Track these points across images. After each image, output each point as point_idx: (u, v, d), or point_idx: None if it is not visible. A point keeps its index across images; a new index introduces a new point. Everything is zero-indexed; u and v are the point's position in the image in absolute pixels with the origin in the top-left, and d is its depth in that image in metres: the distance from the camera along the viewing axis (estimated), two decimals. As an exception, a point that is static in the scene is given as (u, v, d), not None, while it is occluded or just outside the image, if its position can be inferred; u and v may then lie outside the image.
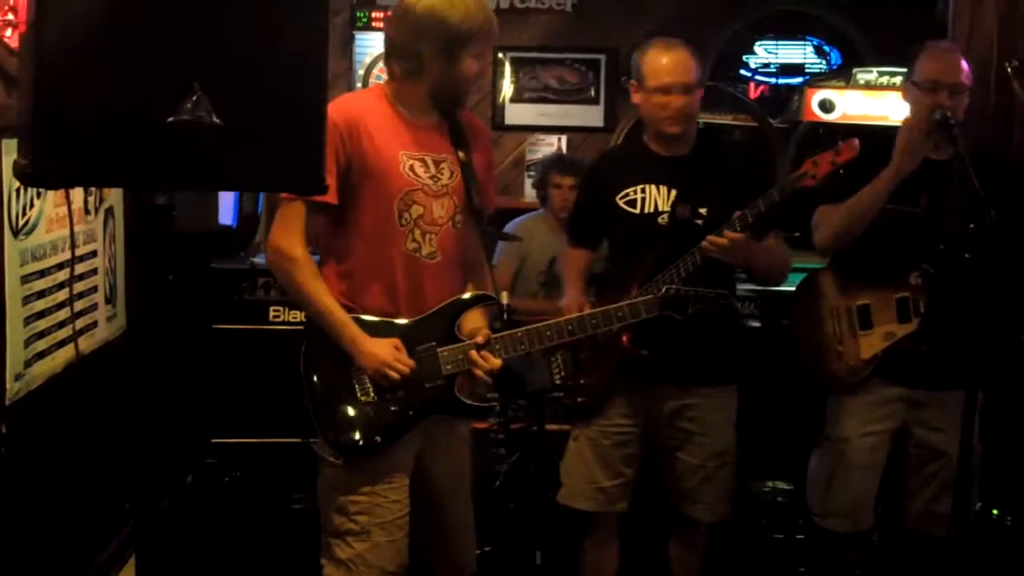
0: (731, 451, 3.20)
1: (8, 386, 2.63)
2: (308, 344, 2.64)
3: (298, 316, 3.91)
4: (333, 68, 5.01)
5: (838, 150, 2.88)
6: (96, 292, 3.29)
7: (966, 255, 2.82)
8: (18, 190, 2.65)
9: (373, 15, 5.59)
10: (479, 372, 2.65)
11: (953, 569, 2.94)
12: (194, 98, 1.78)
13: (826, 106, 4.85)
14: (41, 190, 2.72)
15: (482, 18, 2.59)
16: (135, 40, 1.77)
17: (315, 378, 2.62)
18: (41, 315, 2.83)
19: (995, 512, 3.67)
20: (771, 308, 4.23)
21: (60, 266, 2.91)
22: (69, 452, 3.00)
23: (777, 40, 6.03)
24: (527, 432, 3.99)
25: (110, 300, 3.42)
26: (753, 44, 6.04)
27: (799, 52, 6.04)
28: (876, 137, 3.42)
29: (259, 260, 4.35)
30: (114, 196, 3.41)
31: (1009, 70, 3.67)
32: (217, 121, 1.80)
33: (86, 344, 3.14)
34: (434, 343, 2.65)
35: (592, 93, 5.81)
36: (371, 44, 5.62)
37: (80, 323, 3.10)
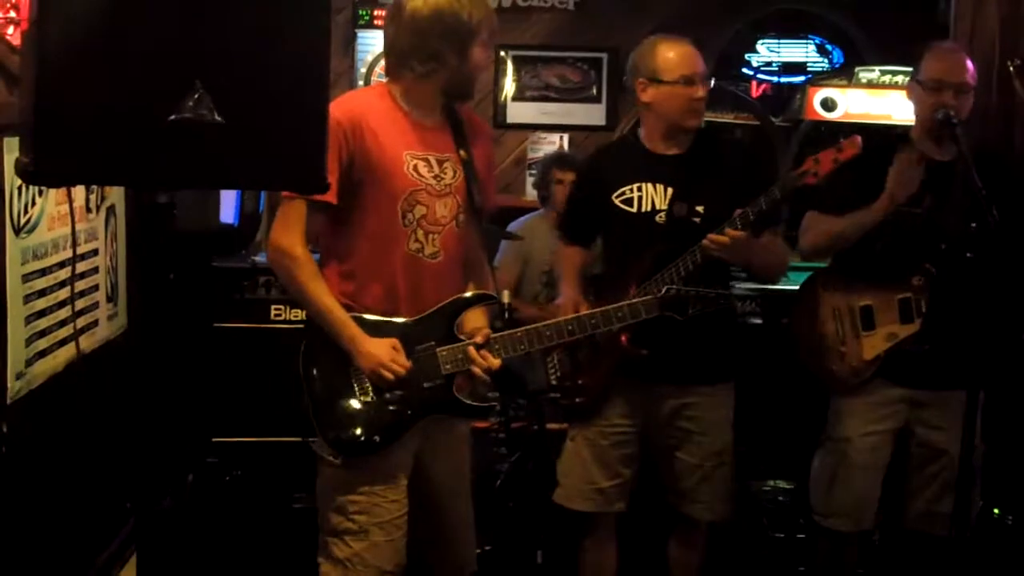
0: (729, 450, 3.20)
1: (9, 385, 2.63)
2: (307, 343, 2.64)
3: (299, 315, 3.90)
4: (335, 66, 5.00)
5: (840, 147, 2.88)
6: (97, 291, 3.29)
7: (968, 254, 2.82)
8: (20, 188, 2.65)
9: (375, 13, 5.58)
10: (478, 371, 2.65)
11: (954, 569, 2.94)
12: (195, 96, 1.78)
13: (828, 105, 4.85)
14: (43, 188, 2.72)
15: (483, 5, 2.62)
16: (137, 38, 1.77)
17: (314, 377, 2.62)
18: (42, 314, 2.83)
19: (996, 511, 3.66)
20: (772, 306, 4.23)
21: (61, 264, 2.91)
22: (70, 451, 3.00)
23: (779, 39, 6.02)
24: (528, 431, 3.98)
25: (111, 299, 3.42)
26: (755, 43, 6.03)
27: (801, 51, 6.04)
28: (878, 136, 3.43)
29: (260, 259, 4.34)
30: (116, 194, 3.40)
31: (1011, 69, 3.67)
32: (218, 119, 1.80)
33: (87, 343, 3.14)
34: (433, 343, 2.65)
35: (594, 92, 5.80)
36: (373, 42, 5.61)
37: (81, 322, 3.10)
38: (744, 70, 6.03)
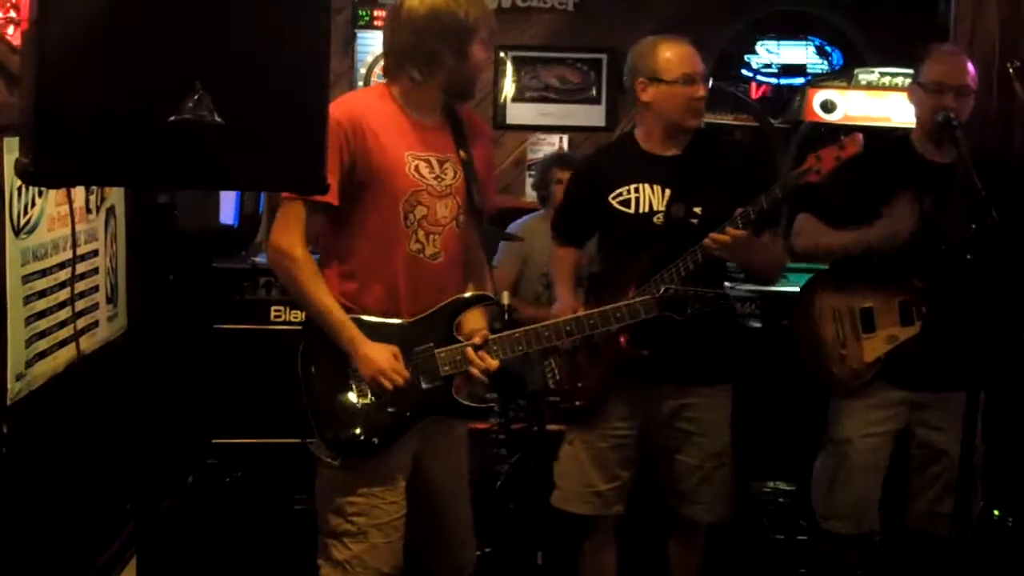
0: (728, 451, 3.19)
1: (9, 386, 2.62)
2: (306, 344, 2.64)
3: (300, 316, 3.87)
4: (335, 67, 4.99)
5: (842, 145, 2.88)
6: (97, 291, 3.29)
7: (968, 256, 2.82)
8: (19, 189, 2.65)
9: (375, 13, 5.58)
10: (475, 372, 2.65)
11: (955, 570, 2.94)
12: (195, 97, 1.78)
13: (828, 106, 4.85)
14: (42, 189, 2.72)
15: (480, 4, 2.62)
16: (137, 39, 1.77)
17: (313, 378, 2.62)
18: (42, 315, 2.83)
19: (996, 513, 3.66)
20: (772, 308, 4.23)
21: (61, 265, 2.91)
22: (70, 452, 3.00)
23: (779, 40, 6.02)
24: (528, 433, 3.98)
25: (111, 299, 3.42)
26: (755, 44, 6.03)
27: (801, 52, 6.03)
28: (878, 138, 3.42)
29: (260, 260, 4.34)
30: (115, 195, 3.40)
31: (1011, 71, 3.67)
32: (218, 120, 1.80)
33: (87, 344, 3.14)
34: (432, 344, 2.65)
35: (593, 93, 5.80)
36: (373, 43, 5.61)
37: (81, 323, 3.10)
38: (744, 71, 6.03)
